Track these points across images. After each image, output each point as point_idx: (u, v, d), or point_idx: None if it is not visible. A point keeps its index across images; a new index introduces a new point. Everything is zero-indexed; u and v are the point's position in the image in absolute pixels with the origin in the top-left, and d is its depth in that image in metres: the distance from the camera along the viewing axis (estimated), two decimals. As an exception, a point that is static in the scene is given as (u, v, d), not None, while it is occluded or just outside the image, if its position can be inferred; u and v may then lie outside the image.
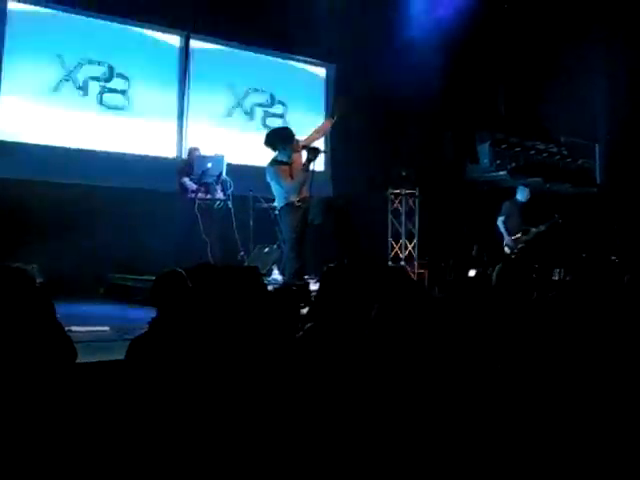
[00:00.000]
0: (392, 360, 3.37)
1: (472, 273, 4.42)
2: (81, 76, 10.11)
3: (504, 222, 10.88)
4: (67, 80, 9.97)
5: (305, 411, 3.19)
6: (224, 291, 4.17)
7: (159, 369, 3.42)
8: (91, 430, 3.30)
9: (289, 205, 7.65)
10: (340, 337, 3.51)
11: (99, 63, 10.23)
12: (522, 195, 11.02)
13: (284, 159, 7.69)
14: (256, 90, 11.88)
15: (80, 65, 10.06)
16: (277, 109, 12.14)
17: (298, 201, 7.65)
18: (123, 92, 10.46)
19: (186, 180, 9.33)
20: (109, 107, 10.35)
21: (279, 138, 7.78)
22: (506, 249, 10.78)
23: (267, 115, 12.01)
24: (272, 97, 12.06)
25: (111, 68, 10.33)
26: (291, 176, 7.62)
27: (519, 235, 10.78)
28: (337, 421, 3.12)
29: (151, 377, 3.40)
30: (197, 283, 3.99)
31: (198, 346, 3.55)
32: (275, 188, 7.78)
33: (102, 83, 10.27)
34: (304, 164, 7.61)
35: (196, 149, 9.67)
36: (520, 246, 10.72)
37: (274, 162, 7.72)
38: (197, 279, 4.04)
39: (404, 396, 3.17)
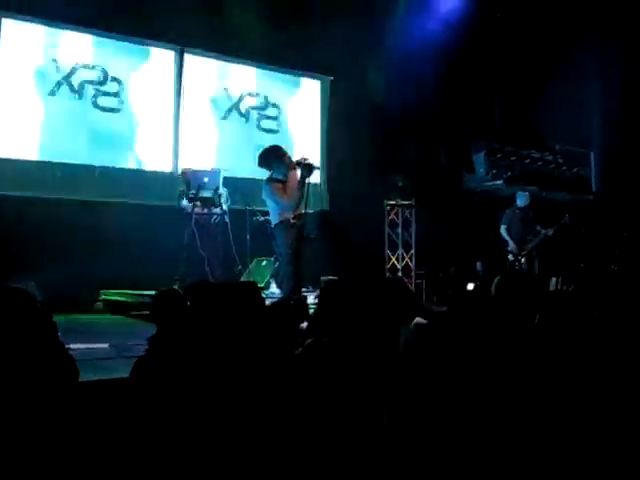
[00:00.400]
0: (394, 376, 3.37)
1: (471, 287, 4.42)
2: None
3: (507, 230, 10.91)
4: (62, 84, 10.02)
5: (307, 427, 3.18)
6: (223, 308, 4.17)
7: (160, 388, 3.40)
8: (95, 449, 3.29)
9: (284, 222, 7.64)
10: (341, 353, 3.50)
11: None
12: (521, 201, 11.03)
13: (279, 177, 7.70)
14: (248, 101, 11.89)
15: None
16: (271, 112, 12.16)
17: (293, 218, 7.65)
18: (116, 105, 10.46)
19: (183, 202, 9.33)
20: (104, 109, 10.36)
21: (273, 156, 7.78)
22: (509, 256, 10.77)
23: (261, 118, 12.01)
24: (266, 100, 12.06)
25: (105, 73, 10.38)
26: (286, 193, 7.61)
27: (529, 238, 10.76)
28: (339, 435, 3.12)
29: (153, 396, 3.39)
30: (196, 301, 3.97)
31: (198, 364, 3.54)
32: (270, 205, 7.80)
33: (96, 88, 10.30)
34: (299, 181, 7.61)
35: (188, 169, 9.66)
36: (524, 253, 10.70)
37: (270, 180, 7.73)
38: (196, 297, 4.03)
39: (407, 413, 3.16)
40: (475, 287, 4.46)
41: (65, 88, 10.03)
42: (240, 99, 11.73)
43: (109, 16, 9.97)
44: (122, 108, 10.51)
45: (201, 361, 3.57)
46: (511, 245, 10.78)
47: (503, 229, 10.94)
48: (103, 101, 10.35)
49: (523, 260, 10.69)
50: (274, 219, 7.79)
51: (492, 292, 4.00)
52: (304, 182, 7.61)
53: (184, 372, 3.44)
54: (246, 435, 3.20)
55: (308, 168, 7.62)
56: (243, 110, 11.78)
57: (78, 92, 10.13)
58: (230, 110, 11.64)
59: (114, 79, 10.43)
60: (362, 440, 3.11)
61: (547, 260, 10.65)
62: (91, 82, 10.24)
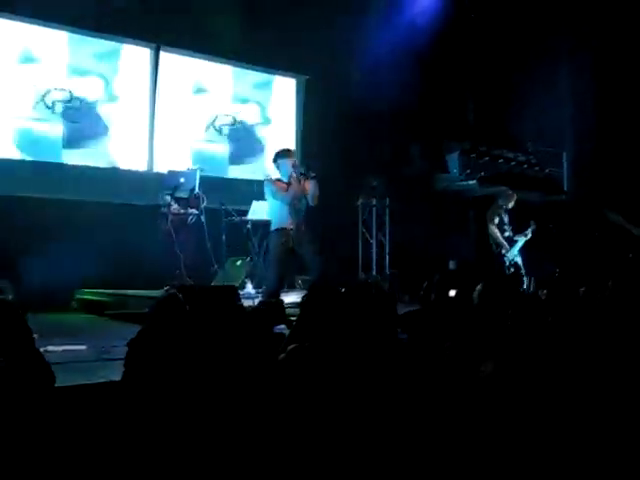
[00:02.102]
0: (375, 380, 3.40)
1: (452, 293, 4.45)
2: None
3: (497, 225, 10.26)
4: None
5: (288, 431, 3.20)
6: (202, 312, 4.18)
7: (147, 391, 3.41)
8: (74, 456, 3.29)
9: (279, 230, 7.81)
10: (323, 358, 3.53)
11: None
12: (504, 200, 10.50)
13: (282, 178, 7.92)
14: (224, 99, 11.88)
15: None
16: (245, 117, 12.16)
17: (290, 228, 7.83)
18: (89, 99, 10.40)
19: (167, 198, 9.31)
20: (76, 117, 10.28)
21: (280, 157, 8.03)
22: (506, 260, 10.17)
23: (235, 124, 12.00)
24: (240, 107, 12.06)
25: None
26: (287, 192, 7.83)
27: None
28: (323, 437, 3.14)
29: (141, 400, 3.40)
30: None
31: (182, 367, 3.55)
32: (270, 205, 8.05)
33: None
34: (297, 177, 7.87)
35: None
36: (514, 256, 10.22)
37: (271, 179, 7.97)
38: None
39: (390, 416, 3.19)
40: (457, 294, 4.48)
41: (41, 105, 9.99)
42: (215, 119, 11.75)
43: (84, 13, 9.89)
44: (97, 112, 10.44)
45: (185, 365, 3.59)
46: (505, 245, 10.15)
47: (494, 228, 10.24)
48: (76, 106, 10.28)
49: (513, 260, 10.22)
50: (273, 224, 7.96)
51: (474, 299, 4.05)
52: (301, 180, 7.90)
53: (170, 375, 3.45)
54: (231, 437, 3.22)
55: (306, 170, 7.96)
56: (217, 126, 11.81)
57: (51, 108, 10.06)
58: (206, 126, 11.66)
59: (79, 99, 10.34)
60: (346, 442, 3.14)
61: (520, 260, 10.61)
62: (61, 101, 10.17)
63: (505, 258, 10.16)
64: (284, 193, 7.80)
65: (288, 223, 7.80)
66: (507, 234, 10.28)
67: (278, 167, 8.01)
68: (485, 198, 11.54)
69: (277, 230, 7.84)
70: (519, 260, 10.26)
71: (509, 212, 10.46)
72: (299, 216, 7.90)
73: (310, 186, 7.94)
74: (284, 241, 7.73)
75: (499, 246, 10.18)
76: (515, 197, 10.52)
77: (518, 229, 10.40)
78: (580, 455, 3.04)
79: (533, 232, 10.34)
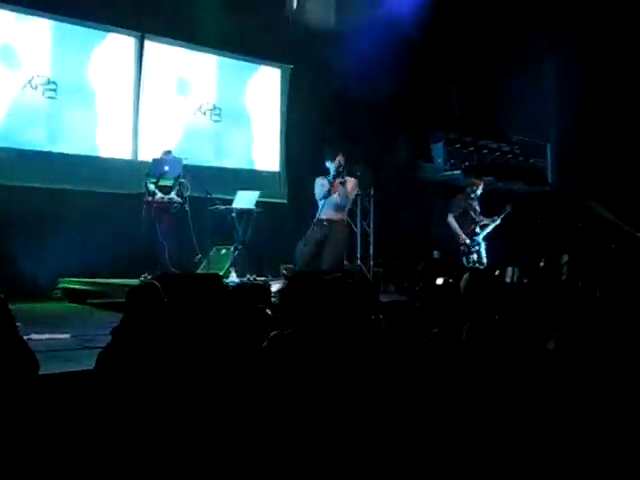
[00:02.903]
0: (355, 367, 3.42)
1: (440, 281, 4.48)
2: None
3: (455, 218, 10.36)
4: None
5: (272, 419, 3.22)
6: (188, 300, 4.19)
7: (128, 381, 3.41)
8: (57, 443, 3.29)
9: (317, 220, 8.44)
10: (305, 344, 3.54)
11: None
12: (472, 188, 10.53)
13: (328, 176, 8.49)
14: (209, 89, 11.86)
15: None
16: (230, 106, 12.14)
17: (326, 221, 8.44)
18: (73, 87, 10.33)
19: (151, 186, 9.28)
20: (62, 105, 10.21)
21: (327, 156, 8.54)
22: (463, 248, 10.27)
23: (221, 112, 11.99)
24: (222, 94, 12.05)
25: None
26: (329, 191, 8.38)
27: (476, 230, 10.31)
28: (304, 425, 3.16)
29: (120, 389, 3.40)
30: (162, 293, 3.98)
31: (167, 356, 3.56)
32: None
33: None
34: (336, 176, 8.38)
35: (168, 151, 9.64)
36: (475, 243, 10.26)
37: (319, 177, 8.57)
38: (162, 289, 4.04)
39: (374, 405, 3.21)
40: (444, 282, 4.51)
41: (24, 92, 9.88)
42: (199, 108, 11.73)
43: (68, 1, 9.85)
44: (82, 101, 10.38)
45: (168, 352, 3.59)
46: (462, 236, 10.22)
47: (451, 217, 10.36)
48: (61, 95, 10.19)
49: (474, 251, 10.25)
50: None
51: (461, 288, 4.08)
52: (339, 177, 8.40)
53: (152, 364, 3.46)
54: (214, 427, 3.24)
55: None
56: (202, 115, 11.78)
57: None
58: (187, 105, 11.60)
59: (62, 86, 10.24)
60: (329, 427, 3.15)
61: (503, 251, 10.64)
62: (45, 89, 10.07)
63: (461, 246, 10.29)
64: (321, 196, 8.39)
65: (326, 213, 8.38)
66: (479, 222, 10.36)
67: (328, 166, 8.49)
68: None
69: (315, 220, 8.47)
70: (482, 248, 10.35)
71: (480, 199, 10.56)
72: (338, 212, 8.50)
73: (349, 185, 8.50)
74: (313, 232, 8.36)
75: (457, 236, 10.31)
76: (482, 184, 10.59)
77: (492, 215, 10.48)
78: (569, 449, 3.06)
79: (504, 217, 10.37)
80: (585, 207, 12.27)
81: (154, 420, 3.25)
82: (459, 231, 10.29)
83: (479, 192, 10.51)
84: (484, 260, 10.31)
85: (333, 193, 8.41)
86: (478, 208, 10.45)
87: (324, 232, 8.45)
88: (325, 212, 8.45)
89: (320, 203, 8.48)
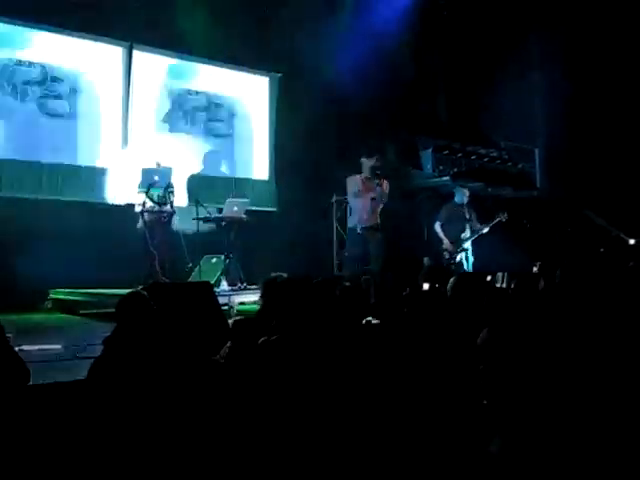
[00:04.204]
0: (341, 369, 3.44)
1: (426, 287, 4.50)
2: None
3: (442, 226, 10.48)
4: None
5: (264, 425, 3.23)
6: (179, 308, 4.21)
7: (121, 389, 3.42)
8: (48, 453, 3.30)
9: (352, 229, 8.83)
10: (292, 350, 3.56)
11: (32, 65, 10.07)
12: (460, 197, 10.66)
13: (361, 175, 8.78)
14: (197, 94, 11.86)
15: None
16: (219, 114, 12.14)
17: (362, 228, 8.64)
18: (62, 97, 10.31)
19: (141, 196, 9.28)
20: (50, 114, 10.19)
21: (362, 155, 8.84)
22: (445, 254, 10.43)
23: (210, 120, 11.99)
24: (211, 102, 12.04)
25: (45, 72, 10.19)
26: (359, 195, 8.67)
27: (463, 236, 10.41)
28: (295, 427, 3.18)
29: (113, 397, 3.41)
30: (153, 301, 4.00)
31: (156, 364, 3.56)
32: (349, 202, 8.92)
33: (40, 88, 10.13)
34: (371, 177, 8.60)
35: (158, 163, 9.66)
36: (459, 250, 10.38)
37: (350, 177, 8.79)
38: (151, 298, 4.05)
39: (362, 408, 3.23)
40: (430, 287, 4.54)
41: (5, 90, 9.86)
42: (189, 116, 11.72)
43: (56, 10, 9.83)
44: (70, 110, 10.36)
45: (156, 360, 3.60)
46: (446, 243, 10.36)
47: (438, 225, 10.53)
48: (50, 104, 10.19)
49: (458, 258, 10.36)
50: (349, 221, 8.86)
51: (448, 292, 4.11)
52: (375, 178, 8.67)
53: (144, 373, 3.47)
54: (206, 434, 3.25)
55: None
56: (190, 114, 11.75)
57: (20, 94, 9.96)
58: (177, 114, 11.60)
59: (55, 79, 10.26)
60: (319, 427, 3.17)
61: (492, 256, 10.65)
62: (34, 83, 10.08)
63: (445, 252, 10.44)
64: (353, 197, 8.72)
65: (362, 221, 8.55)
66: (469, 228, 10.47)
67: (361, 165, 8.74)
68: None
69: (350, 229, 8.76)
70: (467, 254, 10.46)
71: (473, 205, 10.71)
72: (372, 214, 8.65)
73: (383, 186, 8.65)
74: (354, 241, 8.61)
75: (441, 242, 10.49)
76: (467, 191, 10.78)
77: (483, 222, 10.60)
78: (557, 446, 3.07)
79: (494, 225, 10.47)
80: (581, 215, 12.30)
81: (147, 427, 3.26)
82: (443, 238, 10.43)
83: (466, 199, 10.62)
84: (466, 267, 10.40)
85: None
86: (469, 215, 10.56)
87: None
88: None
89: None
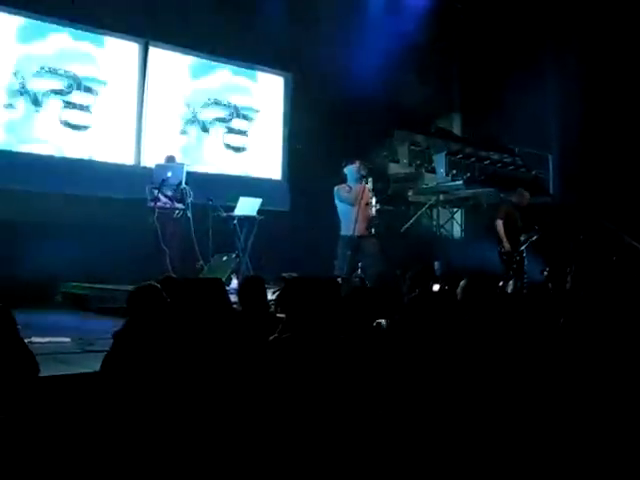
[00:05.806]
0: (350, 369, 3.43)
1: (436, 288, 4.49)
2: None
3: (504, 225, 10.17)
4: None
5: (273, 421, 3.22)
6: (190, 303, 4.19)
7: (132, 383, 3.41)
8: (57, 444, 3.29)
9: (344, 238, 8.60)
10: (303, 348, 3.55)
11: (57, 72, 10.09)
12: (518, 199, 10.57)
13: (349, 183, 8.74)
14: (211, 92, 11.89)
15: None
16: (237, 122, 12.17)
17: (359, 236, 8.50)
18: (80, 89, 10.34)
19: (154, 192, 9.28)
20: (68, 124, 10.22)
21: (346, 163, 8.86)
22: (503, 256, 10.09)
23: (224, 119, 12.00)
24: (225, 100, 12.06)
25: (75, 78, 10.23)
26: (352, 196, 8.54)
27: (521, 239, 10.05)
28: (304, 425, 3.17)
29: (124, 391, 3.40)
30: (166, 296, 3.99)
31: (170, 358, 3.56)
32: (339, 210, 8.73)
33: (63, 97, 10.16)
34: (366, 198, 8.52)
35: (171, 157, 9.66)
36: (516, 254, 9.96)
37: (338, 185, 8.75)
38: (164, 291, 4.04)
39: (369, 407, 3.21)
40: (440, 289, 4.53)
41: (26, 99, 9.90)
42: (202, 114, 11.75)
43: (71, 6, 9.86)
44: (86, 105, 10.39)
45: (170, 356, 3.59)
46: (506, 245, 10.05)
47: (500, 224, 10.16)
48: (70, 115, 10.24)
49: (516, 261, 9.92)
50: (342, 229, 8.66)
51: (458, 295, 4.08)
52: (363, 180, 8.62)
53: (156, 366, 3.46)
54: (217, 428, 3.24)
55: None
56: (204, 112, 11.79)
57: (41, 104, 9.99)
58: (193, 121, 11.62)
59: (83, 87, 10.32)
60: (326, 424, 3.16)
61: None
62: (57, 92, 10.12)
63: (503, 250, 10.11)
64: (349, 196, 8.59)
65: (355, 229, 8.40)
66: (512, 228, 10.20)
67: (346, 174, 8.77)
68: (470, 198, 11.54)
69: (342, 237, 8.59)
70: (525, 259, 10.00)
71: (519, 209, 10.54)
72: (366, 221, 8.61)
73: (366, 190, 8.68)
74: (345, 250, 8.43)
75: (500, 241, 10.17)
76: (527, 194, 10.72)
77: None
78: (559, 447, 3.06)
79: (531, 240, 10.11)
80: (598, 224, 12.22)
81: (157, 421, 3.25)
82: (503, 237, 10.15)
83: (525, 202, 10.60)
84: (524, 270, 9.94)
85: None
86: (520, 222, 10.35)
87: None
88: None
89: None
